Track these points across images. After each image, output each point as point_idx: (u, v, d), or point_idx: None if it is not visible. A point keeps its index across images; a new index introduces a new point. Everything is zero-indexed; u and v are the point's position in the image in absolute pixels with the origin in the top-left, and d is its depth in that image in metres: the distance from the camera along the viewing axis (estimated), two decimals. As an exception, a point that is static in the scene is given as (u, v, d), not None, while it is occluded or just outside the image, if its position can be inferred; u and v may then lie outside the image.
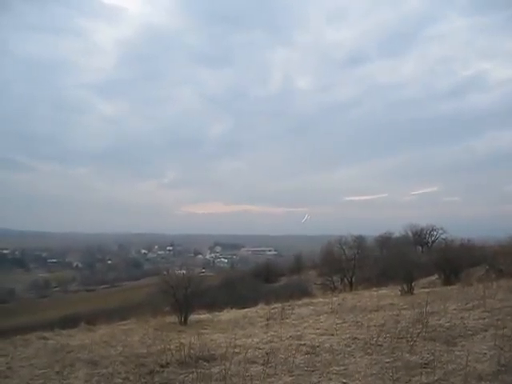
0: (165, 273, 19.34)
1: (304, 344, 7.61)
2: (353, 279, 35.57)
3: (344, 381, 5.45)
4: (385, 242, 46.93)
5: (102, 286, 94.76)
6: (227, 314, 15.03)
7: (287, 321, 11.66)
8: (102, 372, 6.70)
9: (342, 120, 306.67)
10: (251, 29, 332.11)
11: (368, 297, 16.12)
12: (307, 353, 6.96)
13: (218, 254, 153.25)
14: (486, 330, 7.29)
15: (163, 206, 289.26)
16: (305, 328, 9.79)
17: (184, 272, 18.12)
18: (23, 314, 51.45)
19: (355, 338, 7.77)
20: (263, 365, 6.39)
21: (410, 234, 49.21)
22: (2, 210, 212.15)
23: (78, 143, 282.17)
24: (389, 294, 16.90)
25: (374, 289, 19.94)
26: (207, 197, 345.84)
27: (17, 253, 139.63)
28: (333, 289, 33.28)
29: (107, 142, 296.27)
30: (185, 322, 13.66)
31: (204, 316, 14.98)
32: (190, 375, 6.13)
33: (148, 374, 6.42)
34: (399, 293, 16.44)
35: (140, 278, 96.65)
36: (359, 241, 42.70)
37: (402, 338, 7.27)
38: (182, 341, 8.57)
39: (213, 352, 7.37)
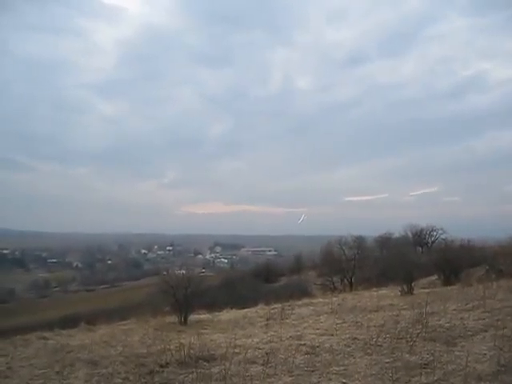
0: (165, 273, 19.43)
1: (304, 344, 7.61)
2: (353, 279, 35.58)
3: (344, 381, 5.46)
4: (385, 242, 46.95)
5: (102, 286, 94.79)
6: (227, 314, 15.04)
7: (287, 321, 11.66)
8: (102, 372, 6.70)
9: (342, 120, 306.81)
10: (251, 29, 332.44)
11: (368, 297, 16.13)
12: (307, 353, 6.96)
13: (217, 254, 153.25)
14: (485, 331, 7.29)
15: (163, 206, 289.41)
16: (305, 328, 9.79)
17: (184, 272, 18.14)
18: (23, 313, 51.45)
19: (355, 338, 7.77)
20: (263, 365, 6.39)
21: (410, 234, 49.26)
22: (2, 209, 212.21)
23: (78, 143, 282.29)
24: (389, 294, 16.90)
25: (374, 289, 19.95)
26: (207, 197, 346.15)
27: (17, 253, 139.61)
28: (333, 289, 33.29)
29: (107, 142, 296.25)
30: (185, 322, 13.66)
31: (204, 316, 14.99)
32: (190, 375, 6.14)
33: (148, 374, 6.42)
34: (399, 293, 16.44)
35: (140, 278, 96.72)
36: (359, 241, 42.74)
37: (401, 338, 7.28)
38: (182, 341, 8.56)
39: (213, 352, 7.37)
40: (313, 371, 5.96)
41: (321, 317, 11.59)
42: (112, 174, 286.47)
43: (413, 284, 17.08)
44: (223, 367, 6.25)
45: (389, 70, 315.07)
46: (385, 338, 7.38)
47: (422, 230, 49.07)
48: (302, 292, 26.71)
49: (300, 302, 15.96)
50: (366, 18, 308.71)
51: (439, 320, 8.55)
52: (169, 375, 6.33)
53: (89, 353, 8.42)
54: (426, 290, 17.15)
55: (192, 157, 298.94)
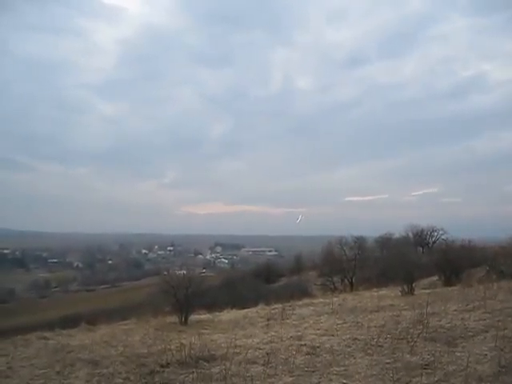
0: (165, 273, 19.43)
1: (304, 344, 7.60)
2: (353, 280, 35.61)
3: (344, 381, 5.45)
4: (385, 242, 46.93)
5: (103, 286, 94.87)
6: (228, 315, 15.04)
7: (288, 321, 11.66)
8: (103, 372, 6.70)
9: (342, 120, 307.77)
10: (251, 29, 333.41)
11: (368, 297, 16.12)
12: (307, 353, 6.95)
13: (218, 255, 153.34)
14: (486, 331, 7.28)
15: (163, 206, 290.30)
16: (305, 328, 9.78)
17: (184, 272, 18.16)
18: (23, 313, 51.49)
19: (355, 338, 7.76)
20: (264, 365, 6.38)
21: (411, 234, 49.27)
22: (3, 210, 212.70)
23: (78, 143, 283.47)
24: (389, 294, 16.90)
25: (375, 289, 19.95)
26: (207, 197, 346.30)
27: (17, 253, 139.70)
28: (333, 289, 33.34)
29: (107, 142, 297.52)
30: (185, 322, 13.67)
31: (204, 316, 14.99)
32: (191, 375, 6.13)
33: (148, 374, 6.41)
34: (400, 293, 16.45)
35: (140, 278, 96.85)
36: (359, 241, 42.77)
37: (402, 338, 7.27)
38: (183, 341, 8.56)
39: (213, 352, 7.36)
40: (313, 371, 5.96)
41: (321, 317, 11.58)
42: (112, 174, 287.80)
43: (413, 284, 17.08)
44: (224, 367, 6.25)
45: (389, 71, 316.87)
46: (385, 339, 7.38)
47: (422, 231, 49.09)
48: (302, 292, 26.73)
49: (300, 303, 15.96)
50: (366, 18, 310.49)
51: (440, 320, 8.53)
52: (169, 375, 6.32)
53: (89, 353, 8.42)
54: (427, 291, 17.14)
55: (192, 157, 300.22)
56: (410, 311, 10.10)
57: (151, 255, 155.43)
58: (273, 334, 9.24)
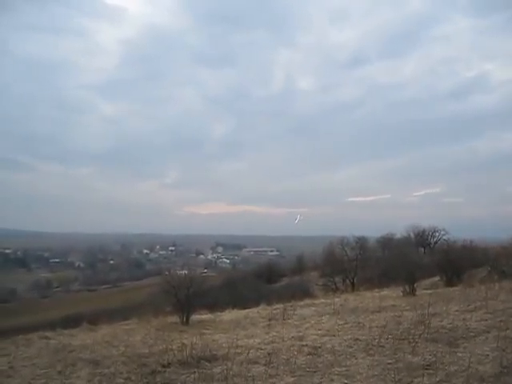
0: (167, 273, 19.38)
1: (306, 345, 7.59)
2: (354, 280, 35.62)
3: (346, 382, 5.44)
4: (387, 242, 46.92)
5: (104, 286, 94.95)
6: (229, 315, 15.04)
7: (289, 321, 11.65)
8: (104, 372, 6.70)
9: (344, 120, 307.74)
10: (253, 29, 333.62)
11: (370, 298, 16.11)
12: (309, 353, 6.95)
13: (219, 255, 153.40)
14: (488, 332, 7.27)
15: (165, 207, 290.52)
16: (307, 329, 9.78)
17: (186, 272, 18.13)
18: (25, 313, 51.59)
19: (357, 339, 7.76)
20: (265, 365, 6.38)
21: (412, 235, 49.25)
22: (4, 210, 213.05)
23: (79, 143, 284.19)
24: (391, 295, 16.89)
25: (376, 290, 19.92)
26: (209, 197, 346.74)
27: (19, 253, 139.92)
28: (335, 290, 33.35)
29: (109, 142, 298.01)
30: (186, 322, 13.67)
31: (206, 316, 14.99)
32: (192, 375, 6.13)
33: (150, 374, 6.41)
34: (401, 294, 16.43)
35: (142, 278, 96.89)
36: (361, 242, 42.81)
37: (403, 339, 7.26)
38: (184, 341, 8.57)
39: (214, 352, 7.36)
40: (315, 372, 5.95)
41: (323, 317, 11.56)
42: (114, 174, 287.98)
43: (415, 285, 17.04)
44: (225, 367, 6.24)
45: (391, 71, 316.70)
46: (387, 339, 7.37)
47: (424, 231, 49.10)
48: (303, 292, 26.70)
49: (302, 303, 15.95)
50: (368, 18, 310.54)
51: (441, 321, 8.53)
52: (171, 375, 6.32)
53: (91, 353, 8.43)
54: (429, 291, 17.12)
55: (193, 157, 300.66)
56: (412, 312, 10.09)
57: (152, 255, 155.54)
58: (274, 334, 9.24)
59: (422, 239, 48.92)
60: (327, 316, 11.75)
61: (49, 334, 11.94)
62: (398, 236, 49.59)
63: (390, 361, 6.08)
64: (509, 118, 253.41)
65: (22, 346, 10.20)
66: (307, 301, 16.89)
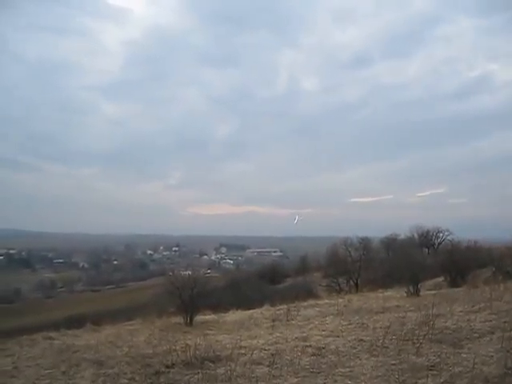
0: (170, 273, 19.40)
1: (310, 345, 7.59)
2: (358, 281, 35.55)
3: (350, 383, 5.44)
4: (390, 243, 46.80)
5: (108, 287, 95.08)
6: (233, 315, 15.04)
7: (293, 322, 11.64)
8: (108, 372, 6.72)
9: (348, 121, 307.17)
10: (257, 30, 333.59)
11: (374, 298, 16.07)
12: (313, 354, 6.95)
13: (223, 255, 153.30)
14: (492, 333, 7.25)
15: (169, 207, 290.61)
16: (310, 329, 9.77)
17: (190, 273, 18.12)
18: (29, 314, 51.76)
19: (361, 339, 7.75)
20: (269, 366, 6.38)
21: (416, 235, 49.06)
22: (9, 210, 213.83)
23: (83, 144, 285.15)
24: (395, 295, 16.86)
25: (380, 290, 19.90)
26: (213, 198, 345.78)
27: (23, 253, 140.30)
28: (338, 290, 33.34)
29: (113, 143, 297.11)
30: (190, 323, 13.67)
31: (209, 317, 14.99)
32: (196, 376, 6.14)
33: (154, 375, 6.43)
34: (405, 295, 16.41)
35: (146, 278, 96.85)
36: (365, 242, 42.74)
37: (408, 340, 7.24)
38: (188, 342, 8.58)
39: (218, 353, 7.36)
40: (319, 373, 5.95)
41: (326, 318, 11.56)
42: (117, 175, 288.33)
43: (419, 285, 17.03)
44: (229, 368, 6.24)
45: (394, 71, 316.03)
46: (391, 340, 7.35)
47: (428, 232, 48.90)
48: (307, 293, 26.68)
49: (306, 304, 15.92)
50: (371, 19, 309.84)
51: (446, 322, 8.50)
52: (174, 376, 6.33)
53: (95, 353, 8.44)
54: (433, 292, 17.09)
55: (197, 158, 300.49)
56: (416, 312, 10.07)
57: (156, 256, 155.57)
58: (278, 334, 9.23)
59: (426, 240, 48.74)
60: (331, 317, 11.74)
61: (53, 334, 11.98)
62: (402, 237, 49.46)
63: (394, 362, 6.07)
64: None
65: (26, 346, 10.23)
66: (311, 301, 16.87)
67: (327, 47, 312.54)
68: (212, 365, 6.73)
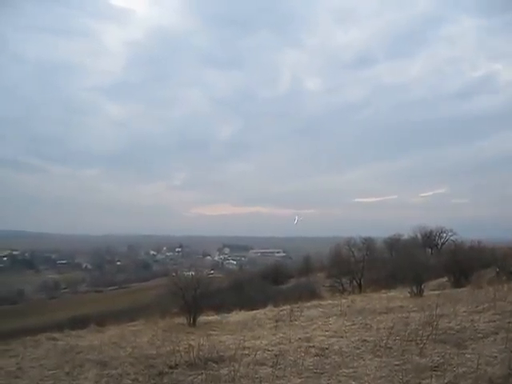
0: (173, 274, 19.35)
1: (313, 346, 7.59)
2: (362, 281, 35.48)
3: (353, 383, 5.44)
4: (394, 243, 46.76)
5: (111, 288, 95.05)
6: (236, 316, 15.03)
7: (296, 323, 11.63)
8: (112, 373, 6.73)
9: (350, 121, 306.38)
10: (259, 31, 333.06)
11: (377, 299, 16.05)
12: (316, 355, 6.94)
13: (226, 256, 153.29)
14: (496, 333, 7.23)
15: (172, 208, 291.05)
16: (314, 330, 9.77)
17: (193, 273, 18.11)
18: (33, 314, 51.86)
19: (364, 340, 7.74)
20: (272, 367, 6.38)
21: (420, 235, 49.02)
22: (12, 211, 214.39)
23: (87, 145, 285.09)
24: (398, 296, 16.83)
25: (383, 291, 19.87)
26: (216, 198, 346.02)
27: (26, 254, 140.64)
28: (342, 291, 33.31)
29: (116, 144, 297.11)
30: (193, 324, 13.67)
31: (213, 317, 14.99)
32: (199, 376, 6.15)
33: (157, 375, 6.44)
34: (408, 295, 16.36)
35: (149, 279, 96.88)
36: (368, 242, 42.70)
37: (411, 340, 7.23)
38: (191, 342, 8.59)
39: (222, 353, 7.36)
40: (322, 373, 5.95)
41: (330, 319, 11.55)
42: (120, 176, 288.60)
43: (422, 286, 16.97)
44: (232, 369, 6.25)
45: (397, 71, 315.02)
46: (394, 340, 7.34)
47: (431, 232, 48.86)
48: (310, 294, 26.62)
49: (309, 304, 15.91)
50: (374, 19, 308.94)
51: (449, 322, 8.49)
52: (178, 376, 6.34)
53: (98, 354, 8.46)
54: (436, 292, 17.04)
55: (200, 158, 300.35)
56: (419, 313, 10.06)
57: (159, 256, 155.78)
58: (281, 335, 9.23)
59: (430, 240, 48.69)
60: (334, 317, 11.74)
61: (56, 335, 11.99)
62: (405, 237, 49.46)
63: (397, 362, 6.06)
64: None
65: (30, 346, 10.26)
66: (314, 302, 16.85)
67: (329, 47, 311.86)
68: (215, 365, 6.73)
